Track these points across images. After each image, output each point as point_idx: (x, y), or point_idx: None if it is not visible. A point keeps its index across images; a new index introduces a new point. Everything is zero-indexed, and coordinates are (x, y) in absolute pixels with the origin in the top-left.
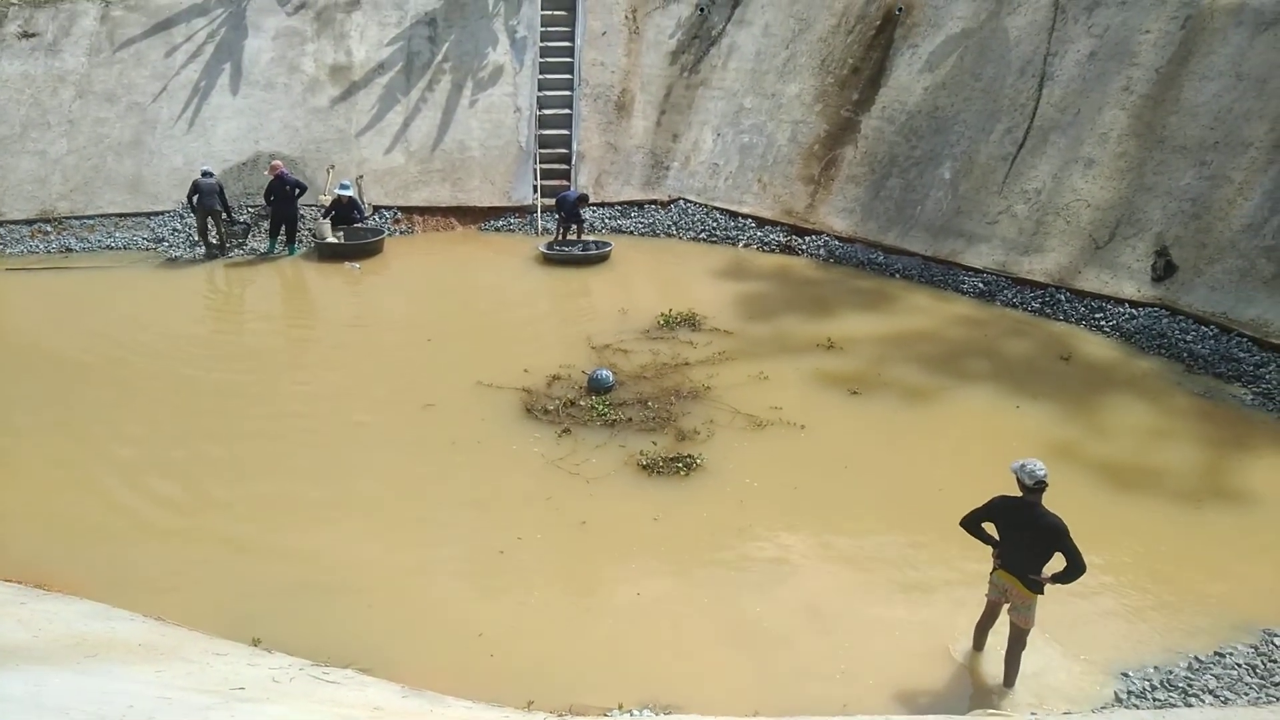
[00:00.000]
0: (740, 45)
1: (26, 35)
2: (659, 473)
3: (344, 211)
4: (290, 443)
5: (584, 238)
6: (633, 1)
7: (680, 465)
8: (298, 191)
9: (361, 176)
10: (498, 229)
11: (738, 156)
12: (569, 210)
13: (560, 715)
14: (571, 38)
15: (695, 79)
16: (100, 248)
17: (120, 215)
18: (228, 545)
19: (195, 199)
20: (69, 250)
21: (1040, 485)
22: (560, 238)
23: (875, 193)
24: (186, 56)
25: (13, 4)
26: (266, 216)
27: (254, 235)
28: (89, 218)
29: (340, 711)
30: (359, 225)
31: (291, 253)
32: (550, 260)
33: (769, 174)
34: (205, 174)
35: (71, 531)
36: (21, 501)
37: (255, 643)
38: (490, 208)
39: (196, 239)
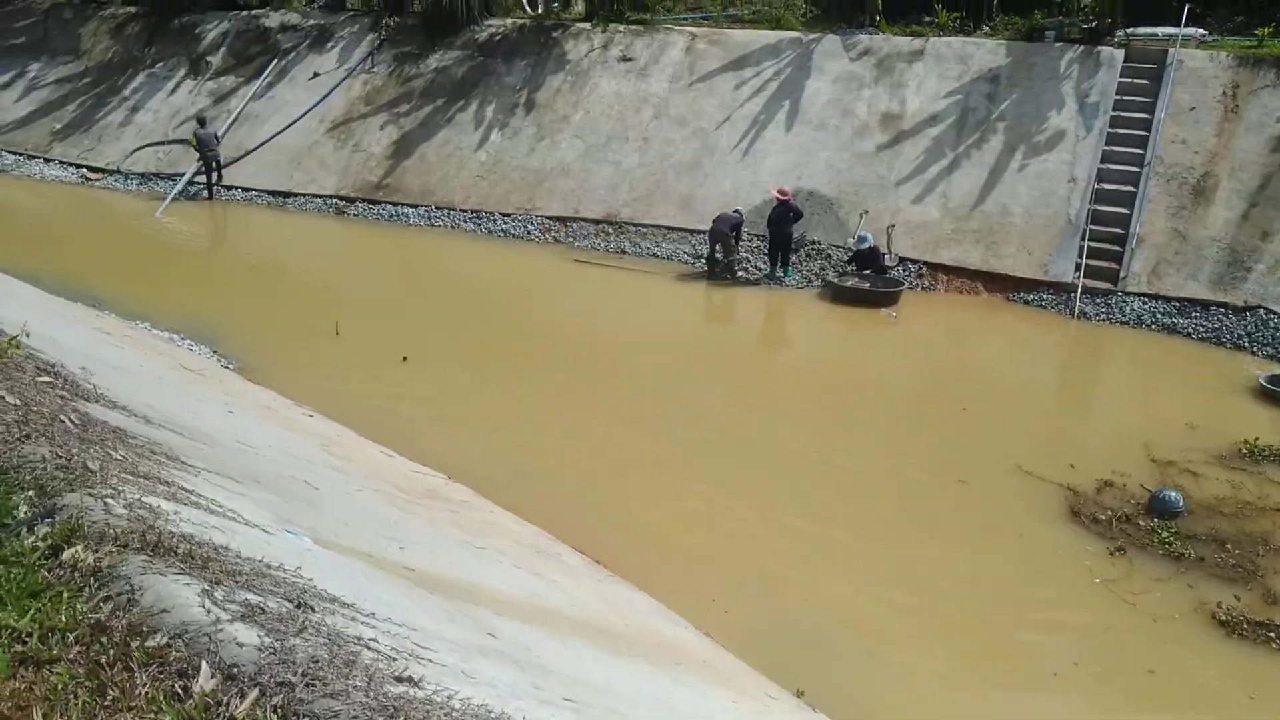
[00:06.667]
0: None
1: (625, 59)
2: (1243, 636)
3: (865, 260)
4: (824, 493)
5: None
6: (1235, 77)
7: (1275, 635)
8: (793, 215)
9: (893, 226)
10: (1027, 302)
11: None
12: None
13: None
14: (1151, 110)
15: None
16: (648, 254)
17: (669, 228)
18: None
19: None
20: (623, 252)
21: None
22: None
23: None
24: (752, 91)
25: (619, 31)
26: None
27: (743, 266)
28: (644, 226)
29: None
30: (883, 274)
31: (787, 274)
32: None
33: None
34: (735, 211)
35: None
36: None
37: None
38: (1022, 278)
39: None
